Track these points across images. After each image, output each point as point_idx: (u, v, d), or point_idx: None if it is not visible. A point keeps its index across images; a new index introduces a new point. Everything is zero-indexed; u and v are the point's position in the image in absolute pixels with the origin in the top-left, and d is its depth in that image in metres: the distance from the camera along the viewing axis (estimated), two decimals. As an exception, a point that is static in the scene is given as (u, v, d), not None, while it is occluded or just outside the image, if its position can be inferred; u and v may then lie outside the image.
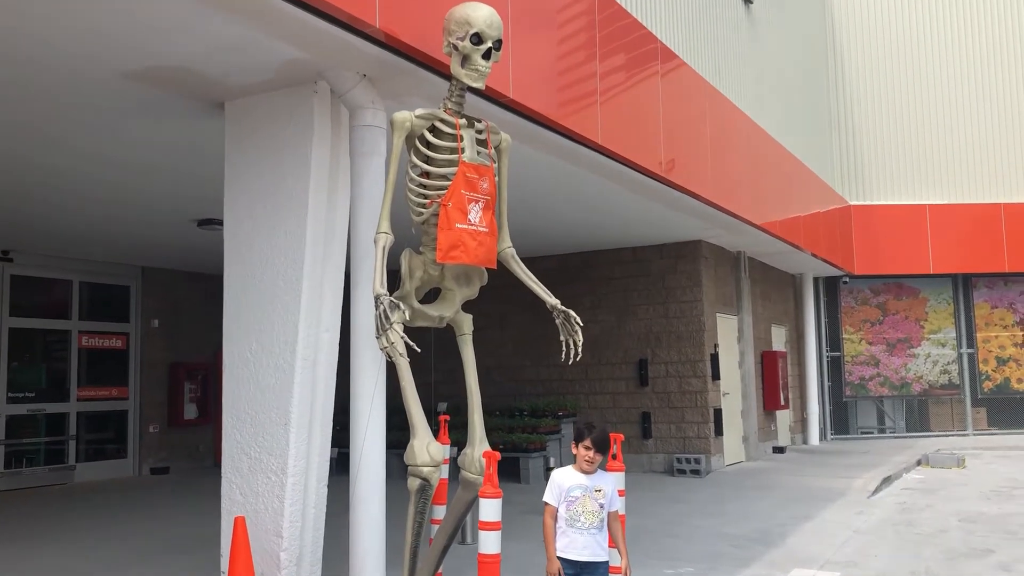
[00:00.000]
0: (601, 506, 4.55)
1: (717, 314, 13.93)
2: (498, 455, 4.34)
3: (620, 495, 4.90)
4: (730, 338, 14.60)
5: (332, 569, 6.26)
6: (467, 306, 5.69)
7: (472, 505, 5.49)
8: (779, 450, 16.10)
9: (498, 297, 14.55)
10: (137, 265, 14.21)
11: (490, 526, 4.04)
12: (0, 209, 9.99)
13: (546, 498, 4.48)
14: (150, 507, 10.89)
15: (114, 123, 6.92)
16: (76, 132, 7.16)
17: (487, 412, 13.82)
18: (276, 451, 5.86)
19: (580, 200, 10.41)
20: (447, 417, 6.64)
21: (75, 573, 7.32)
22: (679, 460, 13.02)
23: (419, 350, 4.84)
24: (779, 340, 17.38)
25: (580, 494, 4.52)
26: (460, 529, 5.54)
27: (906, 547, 7.94)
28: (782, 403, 16.15)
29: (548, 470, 9.82)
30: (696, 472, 12.83)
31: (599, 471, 4.64)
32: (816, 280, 19.01)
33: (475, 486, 5.38)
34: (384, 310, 4.74)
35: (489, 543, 4.01)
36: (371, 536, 5.70)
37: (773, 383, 15.97)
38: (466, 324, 5.64)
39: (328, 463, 6.14)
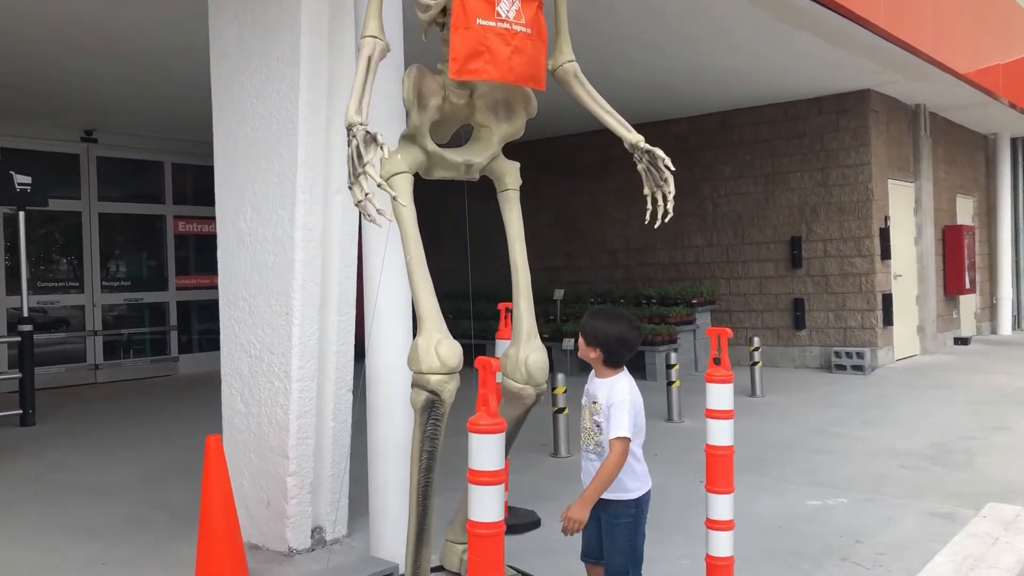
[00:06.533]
0: (598, 425, 3.26)
1: (889, 181, 11.55)
2: (729, 331, 3.52)
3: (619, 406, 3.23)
4: (905, 210, 12.21)
5: (366, 498, 4.94)
6: (520, 152, 4.05)
7: (519, 426, 3.98)
8: (962, 341, 13.72)
9: (623, 166, 12.62)
10: (233, 145, 13.21)
11: (720, 414, 3.37)
12: (76, 85, 9.13)
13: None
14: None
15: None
16: None
17: (610, 299, 12.27)
18: (278, 348, 4.52)
19: (712, 38, 8.36)
20: (509, 305, 5.06)
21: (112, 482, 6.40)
22: (838, 354, 11.02)
23: (405, 205, 3.28)
24: (965, 213, 14.69)
25: (584, 402, 3.37)
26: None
27: None
28: (967, 287, 13.65)
29: (670, 367, 8.17)
30: (859, 368, 10.82)
31: (612, 374, 3.31)
32: (1014, 141, 15.97)
33: (521, 400, 3.85)
34: (357, 146, 3.17)
35: (722, 434, 3.35)
36: (392, 460, 4.30)
37: (957, 263, 13.46)
38: (509, 176, 3.98)
39: (352, 363, 4.77)
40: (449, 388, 3.40)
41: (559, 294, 11.90)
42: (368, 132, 3.19)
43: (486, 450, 2.50)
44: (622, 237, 12.87)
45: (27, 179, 8.37)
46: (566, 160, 13.32)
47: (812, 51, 8.99)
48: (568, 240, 13.49)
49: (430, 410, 3.41)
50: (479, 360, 2.56)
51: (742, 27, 8.02)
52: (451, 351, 3.40)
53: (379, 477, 4.34)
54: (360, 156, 3.16)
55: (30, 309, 8.72)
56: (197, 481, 6.18)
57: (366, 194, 3.15)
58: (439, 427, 3.44)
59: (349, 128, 3.25)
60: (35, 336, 8.75)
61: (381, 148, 3.17)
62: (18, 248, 8.63)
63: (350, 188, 3.21)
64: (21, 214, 8.51)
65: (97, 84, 9.17)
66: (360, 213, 3.34)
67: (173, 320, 12.52)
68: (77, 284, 11.50)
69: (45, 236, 11.54)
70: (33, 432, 8.29)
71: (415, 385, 3.42)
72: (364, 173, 3.13)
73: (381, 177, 3.60)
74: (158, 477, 6.49)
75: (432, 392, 3.38)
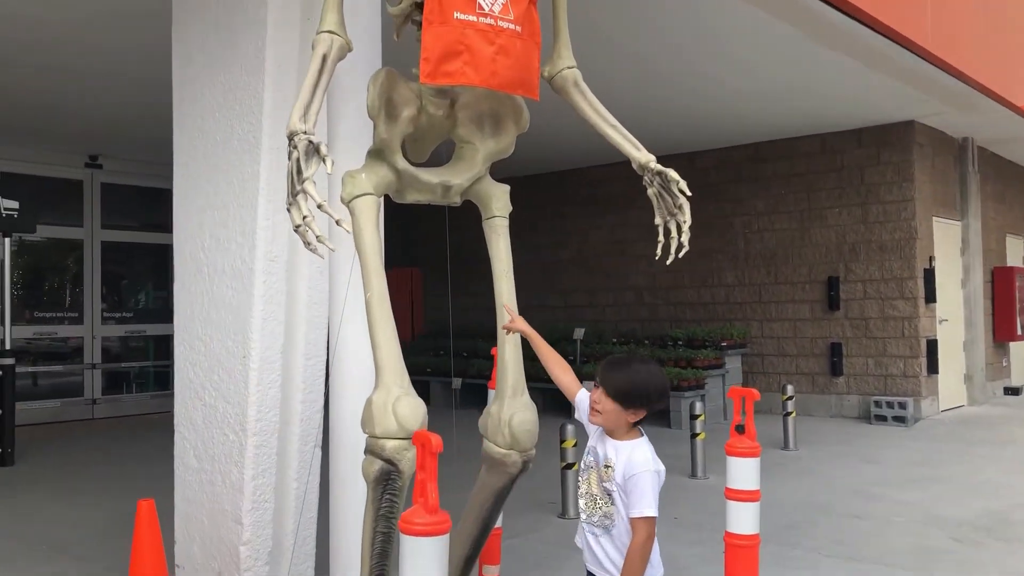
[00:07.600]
0: (608, 493, 2.65)
1: (934, 218, 10.82)
2: (756, 393, 3.07)
3: (643, 477, 2.59)
4: (951, 250, 11.44)
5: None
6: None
7: (504, 497, 3.35)
8: (1013, 391, 12.83)
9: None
10: (246, 173, 12.79)
11: (743, 495, 2.84)
12: (80, 110, 8.79)
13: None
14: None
15: None
16: None
17: (634, 340, 11.62)
18: (234, 397, 3.93)
19: (743, 62, 7.75)
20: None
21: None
22: (878, 404, 10.23)
23: (349, 231, 2.70)
24: (1015, 254, 13.85)
25: (590, 462, 2.77)
26: (487, 530, 3.40)
27: None
28: (1019, 333, 12.78)
29: (695, 418, 7.47)
30: (900, 419, 10.03)
31: (631, 436, 2.69)
32: (1066, 179, 15.14)
33: (504, 468, 3.23)
34: (298, 159, 2.60)
35: (745, 520, 2.80)
36: (355, 529, 3.68)
37: (1007, 307, 12.62)
38: (496, 200, 3.39)
39: (321, 414, 4.17)
40: (408, 456, 2.78)
41: (579, 333, 11.24)
42: (310, 142, 2.62)
43: (423, 558, 1.86)
44: (648, 274, 12.20)
45: (14, 204, 7.93)
46: (588, 192, 12.74)
47: (850, 77, 8.35)
48: (590, 277, 12.86)
49: (385, 483, 2.80)
50: (417, 435, 1.95)
51: (774, 47, 7.40)
52: (412, 411, 2.79)
53: (341, 546, 3.72)
54: (300, 171, 2.58)
55: (23, 340, 8.26)
56: (167, 534, 5.61)
57: (304, 217, 2.57)
58: (396, 504, 2.82)
59: (290, 137, 2.68)
60: (30, 369, 8.28)
61: (324, 161, 2.59)
62: (2, 275, 8.16)
63: (288, 210, 2.64)
64: (6, 240, 8.07)
65: (102, 109, 8.80)
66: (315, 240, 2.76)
67: (177, 353, 12.01)
68: (76, 314, 11.05)
69: (44, 264, 11.14)
70: (7, 473, 7.77)
71: (368, 452, 2.82)
72: (303, 191, 2.56)
73: (342, 199, 3.05)
74: (127, 530, 5.89)
75: (388, 461, 2.77)
